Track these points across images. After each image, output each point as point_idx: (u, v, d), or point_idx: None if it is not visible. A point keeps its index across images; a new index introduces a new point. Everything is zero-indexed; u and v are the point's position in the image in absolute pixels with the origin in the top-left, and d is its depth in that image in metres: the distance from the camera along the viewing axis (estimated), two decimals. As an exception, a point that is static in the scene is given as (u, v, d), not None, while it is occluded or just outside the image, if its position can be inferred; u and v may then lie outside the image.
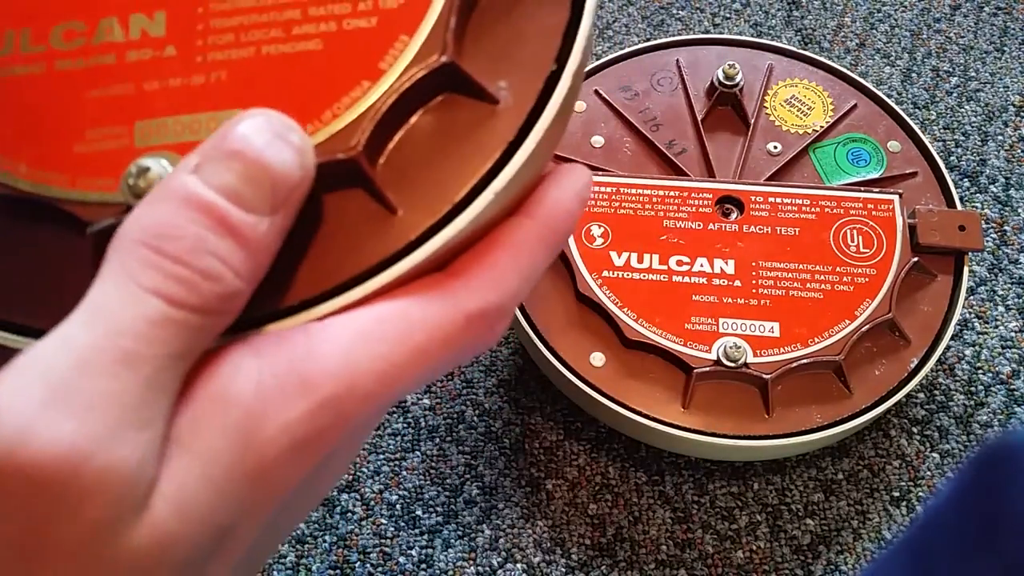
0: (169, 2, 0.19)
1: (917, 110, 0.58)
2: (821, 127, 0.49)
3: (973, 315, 0.51)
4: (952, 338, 0.49)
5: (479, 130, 0.18)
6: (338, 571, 0.43)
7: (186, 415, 0.15)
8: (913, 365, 0.42)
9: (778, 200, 0.46)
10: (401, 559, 0.44)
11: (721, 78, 0.49)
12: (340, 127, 0.18)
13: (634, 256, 0.44)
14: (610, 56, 0.51)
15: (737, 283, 0.43)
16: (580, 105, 0.49)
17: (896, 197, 0.45)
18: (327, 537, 0.44)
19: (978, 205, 0.54)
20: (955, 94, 0.59)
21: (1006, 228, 0.54)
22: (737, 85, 0.49)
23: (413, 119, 0.19)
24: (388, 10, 0.19)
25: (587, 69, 0.50)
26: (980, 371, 0.49)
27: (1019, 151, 0.56)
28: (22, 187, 0.18)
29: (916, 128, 0.49)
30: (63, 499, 0.14)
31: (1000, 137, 0.57)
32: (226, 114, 0.18)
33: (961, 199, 0.54)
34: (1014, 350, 0.49)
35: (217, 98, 0.18)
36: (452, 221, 0.18)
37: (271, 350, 0.16)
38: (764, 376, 0.41)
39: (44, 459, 0.14)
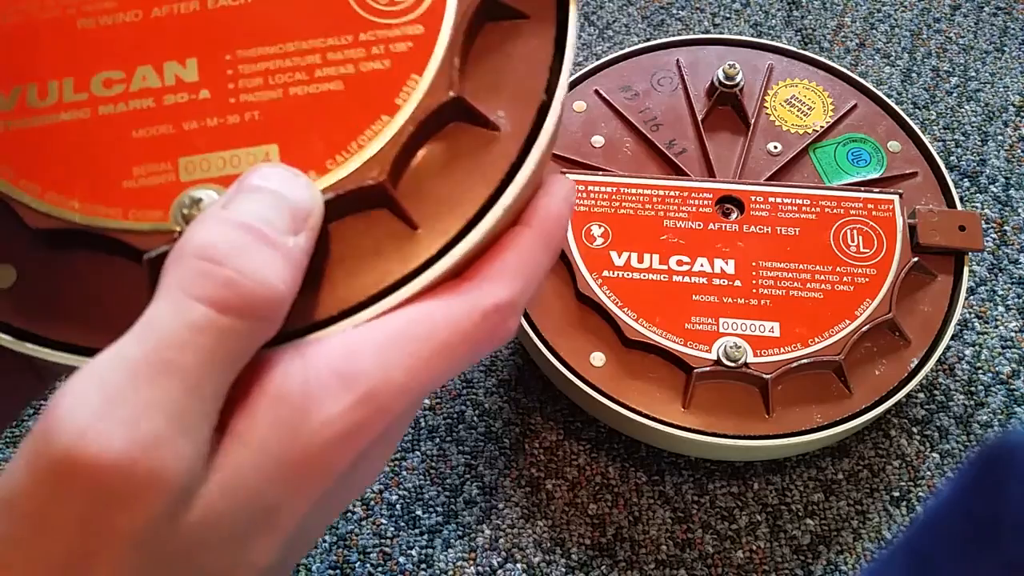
0: (199, 51, 0.21)
1: (917, 110, 0.58)
2: (821, 127, 0.49)
3: (973, 315, 0.51)
4: (952, 338, 0.49)
5: (484, 154, 0.21)
6: (338, 571, 0.43)
7: (243, 412, 0.18)
8: (913, 365, 0.42)
9: (778, 200, 0.46)
10: (401, 559, 0.44)
11: (721, 78, 0.49)
12: (367, 156, 0.20)
13: (634, 256, 0.44)
14: (610, 56, 0.51)
15: (737, 283, 0.43)
16: (580, 105, 0.49)
17: (896, 197, 0.45)
18: (327, 537, 0.44)
19: (978, 205, 0.54)
20: (955, 94, 0.59)
21: (1006, 228, 0.54)
22: (737, 85, 0.49)
23: (427, 146, 0.21)
24: (399, 53, 0.21)
25: (587, 69, 0.51)
26: (980, 371, 0.49)
27: (1019, 151, 0.56)
28: (78, 220, 0.20)
29: (916, 128, 0.49)
30: (117, 495, 0.16)
31: (1000, 137, 0.57)
32: (262, 149, 0.20)
33: (961, 199, 0.54)
34: (1014, 350, 0.49)
35: (253, 135, 0.20)
36: (467, 234, 0.20)
37: (315, 353, 0.19)
38: (764, 376, 0.41)
39: (99, 462, 0.16)
